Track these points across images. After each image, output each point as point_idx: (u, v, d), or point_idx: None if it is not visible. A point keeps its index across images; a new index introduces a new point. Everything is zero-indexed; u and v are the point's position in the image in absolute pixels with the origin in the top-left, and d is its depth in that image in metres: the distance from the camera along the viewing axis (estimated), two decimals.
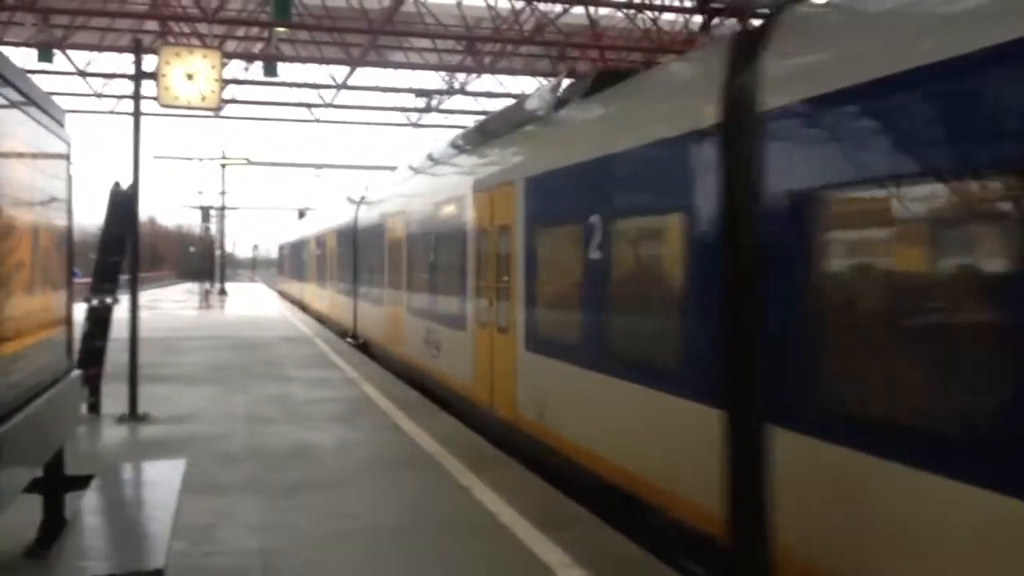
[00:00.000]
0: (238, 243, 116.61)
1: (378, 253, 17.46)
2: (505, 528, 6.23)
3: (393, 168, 31.31)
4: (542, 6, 25.00)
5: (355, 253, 20.77)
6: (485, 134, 11.72)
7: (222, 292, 50.14)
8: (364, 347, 19.15)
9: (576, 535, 6.04)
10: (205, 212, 53.58)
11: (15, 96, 4.51)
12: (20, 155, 4.62)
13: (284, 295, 46.77)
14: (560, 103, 9.05)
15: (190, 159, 47.95)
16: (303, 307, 34.78)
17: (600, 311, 7.13)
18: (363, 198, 20.84)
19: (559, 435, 7.89)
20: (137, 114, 11.21)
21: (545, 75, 28.31)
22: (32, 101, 4.90)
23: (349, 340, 20.80)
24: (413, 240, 14.29)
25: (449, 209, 12.00)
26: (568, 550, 5.73)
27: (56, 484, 5.79)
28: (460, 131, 14.49)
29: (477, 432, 9.62)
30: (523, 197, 8.87)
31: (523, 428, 8.74)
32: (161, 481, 5.59)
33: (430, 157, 14.71)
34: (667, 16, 25.91)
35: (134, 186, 10.94)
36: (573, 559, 5.57)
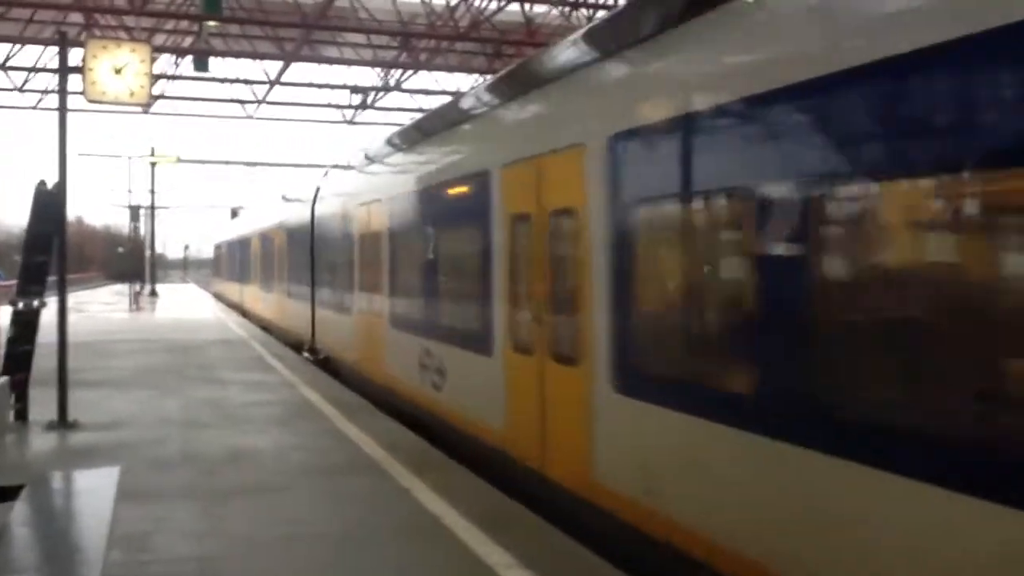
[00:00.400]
0: (169, 243, 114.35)
1: (345, 250, 14.21)
2: (448, 531, 6.19)
3: (326, 166, 30.78)
4: (477, 3, 24.98)
5: (312, 251, 17.49)
6: (518, 85, 8.36)
7: (153, 294, 49.09)
8: (325, 363, 15.99)
9: (519, 536, 6.02)
10: (134, 211, 52.40)
11: None
12: None
13: (221, 298, 42.99)
14: (663, 24, 5.83)
15: (118, 157, 46.77)
16: (243, 312, 31.44)
17: (815, 339, 4.22)
18: (320, 188, 17.48)
19: (700, 533, 5.03)
20: (63, 110, 10.88)
21: (481, 72, 28.30)
22: None
23: (306, 355, 17.68)
24: (400, 234, 11.27)
25: (459, 192, 9.21)
26: (511, 551, 5.71)
27: None
28: (469, 91, 11.04)
29: (514, 498, 7.09)
30: (605, 165, 6.10)
31: (604, 504, 6.07)
32: (94, 490, 5.44)
33: (422, 129, 11.48)
34: (602, 14, 26.12)
35: (61, 184, 10.61)
36: (517, 560, 5.55)
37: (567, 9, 25.20)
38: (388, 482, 7.56)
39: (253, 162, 51.93)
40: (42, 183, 10.72)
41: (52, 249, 10.69)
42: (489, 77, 13.29)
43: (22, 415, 10.21)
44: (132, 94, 11.24)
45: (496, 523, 6.29)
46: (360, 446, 8.97)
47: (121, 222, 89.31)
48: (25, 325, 10.41)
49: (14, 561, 4.43)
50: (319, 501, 7.02)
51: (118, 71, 11.08)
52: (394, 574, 5.43)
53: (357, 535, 6.13)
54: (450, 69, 29.82)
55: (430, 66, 28.91)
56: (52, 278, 11.14)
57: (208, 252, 74.80)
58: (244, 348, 19.15)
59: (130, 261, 54.95)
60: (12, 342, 10.24)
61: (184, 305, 40.09)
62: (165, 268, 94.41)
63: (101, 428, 9.99)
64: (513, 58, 27.35)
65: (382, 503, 6.94)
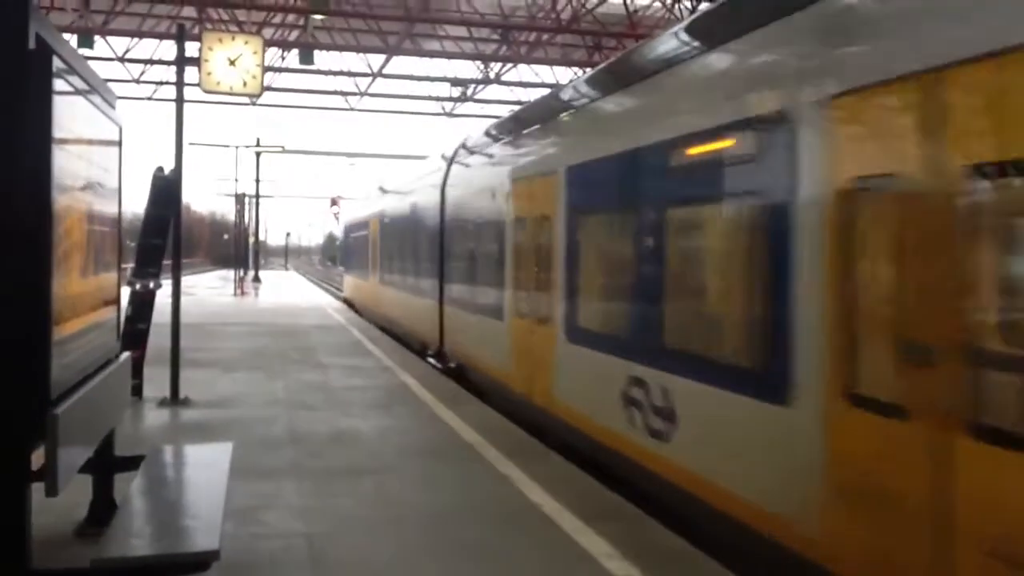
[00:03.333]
0: (270, 231, 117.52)
1: None
2: (548, 518, 6.23)
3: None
4: None
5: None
6: None
7: (256, 279, 50.59)
8: None
9: (619, 527, 6.02)
10: (240, 199, 54.03)
11: (80, 84, 4.56)
12: (81, 141, 4.67)
13: (369, 313, 24.06)
14: None
15: (226, 146, 48.31)
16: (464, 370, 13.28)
17: None
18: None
19: None
20: (180, 100, 11.30)
21: (581, 65, 28.24)
22: (93, 88, 4.96)
23: None
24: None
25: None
26: (612, 541, 5.71)
27: (107, 464, 5.85)
28: None
29: None
30: None
31: None
32: (210, 464, 5.65)
33: None
34: (705, 6, 25.75)
35: (177, 170, 11.04)
36: (617, 550, 5.55)
37: (670, 1, 24.94)
38: (486, 467, 7.65)
39: (354, 153, 52.93)
40: (159, 169, 11.14)
41: (167, 233, 11.12)
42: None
43: (137, 391, 10.66)
44: (245, 84, 11.62)
45: (596, 513, 6.30)
46: (457, 431, 9.09)
47: (225, 209, 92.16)
48: (141, 305, 10.86)
49: (138, 528, 4.65)
50: (420, 484, 7.15)
51: (232, 62, 11.47)
52: (498, 557, 5.49)
53: (458, 519, 6.22)
54: (550, 62, 29.85)
55: (530, 59, 28.98)
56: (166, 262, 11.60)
57: (309, 239, 75.94)
58: (343, 333, 19.58)
59: (235, 247, 56.66)
60: (129, 321, 10.69)
61: (285, 291, 41.22)
62: (266, 255, 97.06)
63: (211, 406, 10.37)
64: (614, 51, 27.24)
65: (481, 488, 7.03)
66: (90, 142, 4.98)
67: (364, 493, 6.80)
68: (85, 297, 4.86)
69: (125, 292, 9.88)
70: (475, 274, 12.52)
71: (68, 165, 4.29)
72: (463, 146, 14.61)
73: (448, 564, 5.34)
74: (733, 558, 5.59)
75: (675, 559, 5.46)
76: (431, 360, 14.38)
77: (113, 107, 5.80)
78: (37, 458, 3.91)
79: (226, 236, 79.32)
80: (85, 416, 4.53)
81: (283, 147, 45.22)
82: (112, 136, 5.74)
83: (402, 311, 18.77)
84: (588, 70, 29.72)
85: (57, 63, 3.97)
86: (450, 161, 14.75)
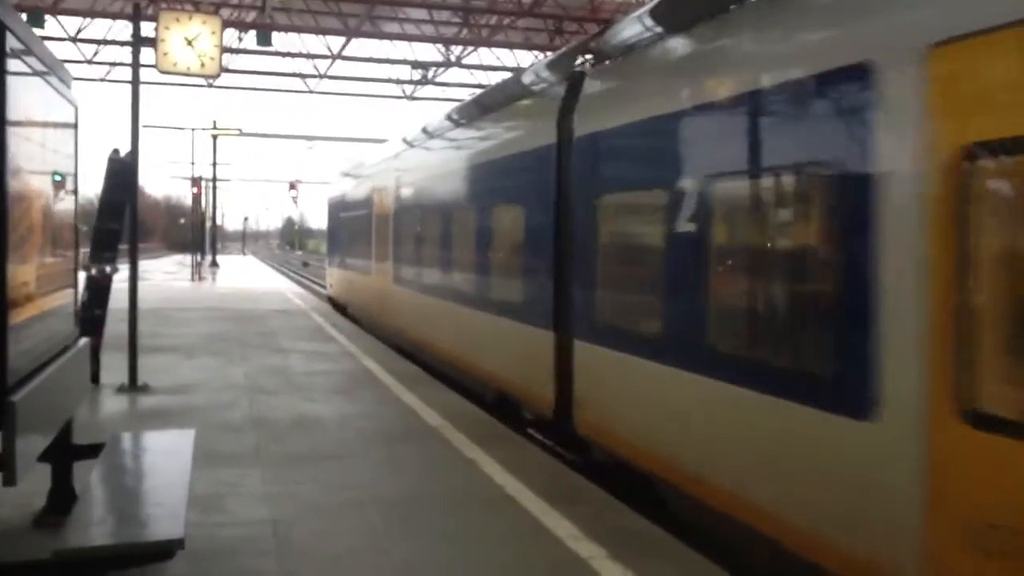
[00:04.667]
0: (227, 215, 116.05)
1: None
2: (513, 500, 6.24)
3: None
4: None
5: None
6: None
7: (214, 264, 49.96)
8: None
9: (586, 510, 6.04)
10: (196, 183, 53.16)
11: (34, 62, 4.44)
12: (36, 122, 4.55)
13: (369, 320, 17.76)
14: None
15: (182, 129, 47.53)
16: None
17: None
18: None
19: None
20: (136, 82, 11.07)
21: (542, 49, 28.17)
22: (48, 67, 4.83)
23: None
24: None
25: None
26: (577, 523, 5.73)
27: (65, 452, 5.74)
28: None
29: None
30: None
31: None
32: (172, 451, 5.57)
33: None
34: None
35: (133, 154, 10.82)
36: (583, 532, 5.57)
37: None
38: (451, 451, 7.63)
39: (312, 136, 52.38)
40: (115, 152, 10.92)
41: (124, 217, 10.91)
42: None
43: (94, 378, 10.46)
44: (203, 65, 11.41)
45: (563, 496, 6.32)
46: (420, 415, 9.07)
47: (181, 193, 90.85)
48: (98, 290, 10.65)
49: (98, 517, 4.57)
50: (385, 468, 7.11)
51: (190, 42, 11.26)
52: (463, 540, 5.48)
53: (424, 502, 6.20)
54: (511, 46, 29.74)
55: (491, 42, 28.86)
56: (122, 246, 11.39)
57: (267, 223, 75.12)
58: (304, 318, 19.41)
59: (191, 232, 55.92)
60: (85, 307, 10.48)
61: (244, 276, 40.75)
62: (223, 240, 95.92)
63: (170, 392, 10.23)
64: (575, 35, 27.19)
65: (446, 472, 7.01)
66: (45, 123, 4.85)
67: (328, 479, 6.75)
68: (42, 282, 4.74)
69: (81, 278, 9.70)
70: (715, 290, 5.68)
71: (23, 147, 4.18)
72: (609, 43, 8.03)
73: (414, 549, 5.31)
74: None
75: (642, 541, 5.48)
76: (533, 432, 8.99)
77: (68, 86, 5.67)
78: None
79: (182, 220, 78.21)
80: (44, 403, 4.43)
81: (240, 130, 44.61)
82: (68, 118, 5.61)
83: (446, 332, 11.85)
84: (549, 54, 29.68)
85: (11, 40, 3.86)
86: (574, 77, 8.23)
